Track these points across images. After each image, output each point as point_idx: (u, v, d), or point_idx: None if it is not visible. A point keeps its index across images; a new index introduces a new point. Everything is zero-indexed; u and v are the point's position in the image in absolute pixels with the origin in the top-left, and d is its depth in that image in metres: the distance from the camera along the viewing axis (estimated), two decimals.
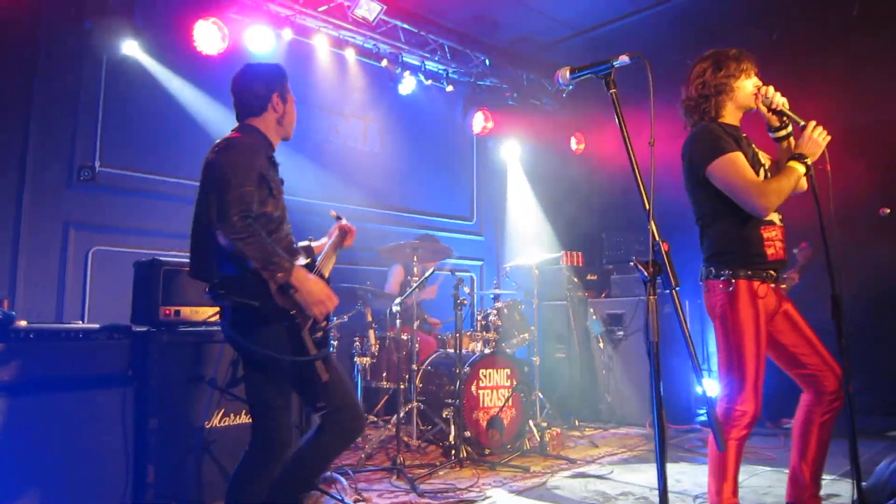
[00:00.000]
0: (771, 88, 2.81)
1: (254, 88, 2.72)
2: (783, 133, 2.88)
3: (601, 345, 6.41)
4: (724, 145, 2.69)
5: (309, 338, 2.50)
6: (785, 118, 2.84)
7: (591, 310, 6.57)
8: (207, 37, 5.20)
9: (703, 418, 6.09)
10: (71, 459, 3.00)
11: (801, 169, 2.67)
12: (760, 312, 2.67)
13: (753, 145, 2.86)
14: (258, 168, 2.49)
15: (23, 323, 3.10)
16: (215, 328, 3.57)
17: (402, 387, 4.76)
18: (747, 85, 2.84)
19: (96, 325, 3.24)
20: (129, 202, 5.10)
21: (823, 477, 2.83)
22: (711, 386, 5.82)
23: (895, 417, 5.90)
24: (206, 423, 3.45)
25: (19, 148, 4.67)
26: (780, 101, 2.79)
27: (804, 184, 2.80)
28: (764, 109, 2.85)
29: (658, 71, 2.02)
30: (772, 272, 2.74)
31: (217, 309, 3.67)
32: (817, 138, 2.72)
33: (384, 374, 5.14)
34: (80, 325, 3.27)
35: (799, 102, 2.92)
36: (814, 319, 2.88)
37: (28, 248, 4.66)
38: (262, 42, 5.58)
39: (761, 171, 2.78)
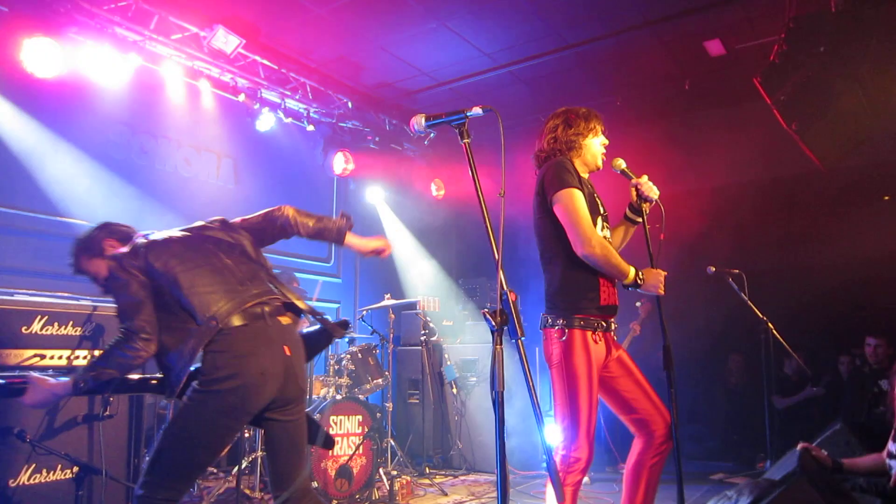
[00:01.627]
0: (645, 177, 3.01)
1: None
2: (637, 220, 3.07)
3: (455, 391, 6.46)
4: (571, 180, 2.83)
5: None
6: (644, 213, 3.02)
7: (446, 355, 6.62)
8: (39, 57, 4.71)
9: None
10: None
11: (630, 279, 2.80)
12: (593, 361, 2.78)
13: (596, 195, 3.01)
14: None
15: None
16: (31, 373, 3.18)
17: (246, 436, 4.49)
18: (594, 143, 3.02)
19: None
20: None
21: None
22: (553, 433, 6.02)
23: (718, 463, 6.40)
24: (11, 480, 3.04)
25: None
26: (655, 193, 2.97)
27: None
28: (633, 193, 3.02)
29: (512, 124, 2.10)
30: (603, 322, 2.87)
31: (35, 352, 3.31)
32: (647, 192, 2.95)
33: None
34: None
35: (642, 166, 3.16)
36: (650, 368, 3.05)
37: None
38: (106, 67, 5.20)
39: (599, 220, 2.93)
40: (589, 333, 2.80)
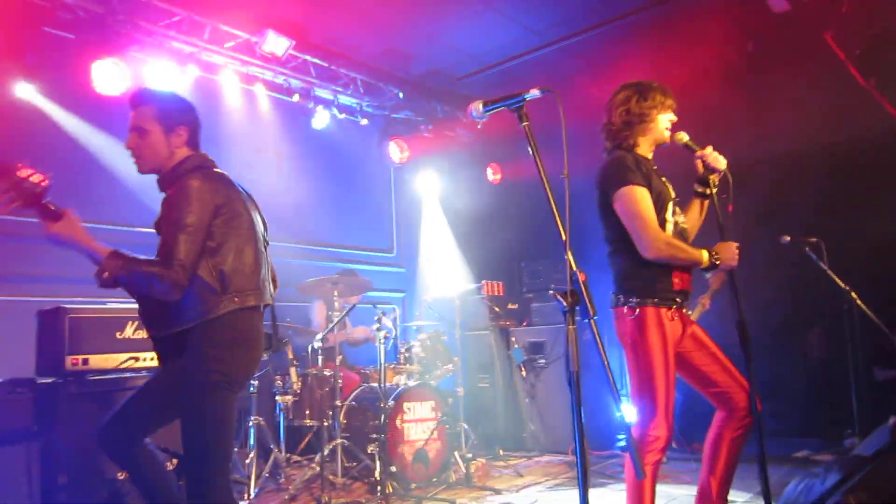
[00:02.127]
0: (710, 148, 2.92)
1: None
2: (706, 193, 2.99)
3: (523, 373, 6.48)
4: (634, 178, 2.77)
5: None
6: (711, 185, 2.94)
7: (513, 338, 6.64)
8: (107, 77, 4.93)
9: (623, 443, 6.22)
10: None
11: (705, 263, 2.76)
12: (668, 338, 2.74)
13: (664, 178, 2.95)
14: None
15: None
16: (127, 374, 3.41)
17: (325, 424, 4.64)
18: (664, 119, 2.94)
19: None
20: (29, 249, 4.77)
21: (735, 498, 2.92)
22: (629, 412, 5.96)
23: (801, 439, 6.18)
24: (120, 473, 3.24)
25: None
26: (722, 164, 2.90)
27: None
28: (699, 166, 2.95)
29: (564, 102, 2.08)
30: (677, 299, 2.83)
31: (129, 355, 3.51)
32: (713, 163, 2.88)
33: (307, 412, 4.99)
34: None
35: (705, 136, 3.07)
36: (724, 344, 3.00)
37: None
38: (166, 80, 5.40)
39: (670, 205, 2.87)
40: (663, 310, 2.77)
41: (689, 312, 2.96)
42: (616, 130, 2.95)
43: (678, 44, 6.60)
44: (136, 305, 2.54)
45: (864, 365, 6.22)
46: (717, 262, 2.77)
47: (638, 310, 2.76)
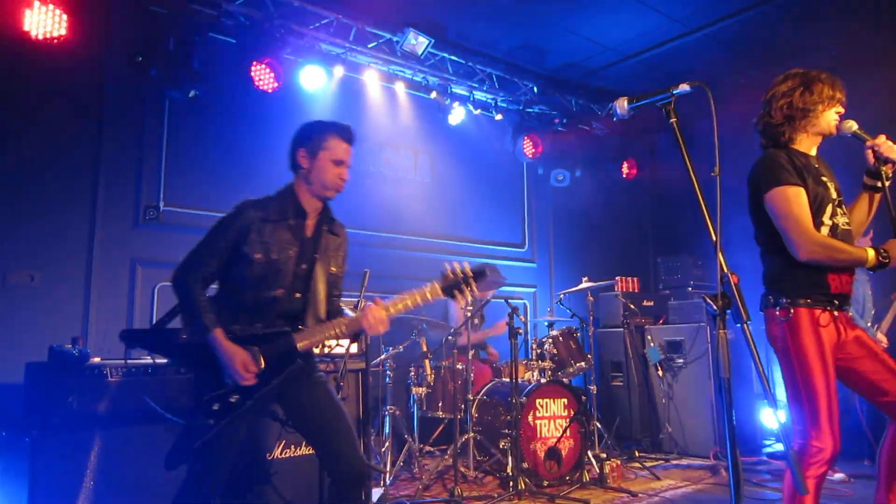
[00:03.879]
0: (882, 137, 2.68)
1: (291, 146, 2.76)
2: (879, 185, 2.74)
3: (660, 373, 6.26)
4: (787, 177, 2.59)
5: (202, 403, 2.47)
6: (884, 177, 2.70)
7: (649, 337, 6.44)
8: (263, 78, 5.32)
9: (771, 449, 5.86)
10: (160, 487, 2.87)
11: (871, 262, 2.54)
12: (824, 341, 2.54)
13: (825, 177, 2.72)
14: (236, 232, 2.56)
15: (96, 359, 3.22)
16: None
17: (457, 416, 4.73)
18: (831, 114, 2.72)
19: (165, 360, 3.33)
20: (194, 239, 5.21)
21: None
22: (784, 419, 5.59)
23: None
24: (269, 454, 3.50)
25: (89, 191, 4.88)
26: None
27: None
28: (870, 156, 2.71)
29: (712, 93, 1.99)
30: (835, 300, 2.61)
31: None
32: (887, 152, 2.63)
33: (440, 404, 5.13)
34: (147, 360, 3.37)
35: (874, 125, 2.81)
36: None
37: (98, 287, 4.84)
38: (315, 80, 5.74)
39: (829, 207, 2.66)
40: (818, 312, 2.57)
41: (868, 321, 2.72)
42: (775, 125, 2.75)
43: (837, 24, 6.08)
44: None
45: None
46: (887, 261, 2.53)
47: (791, 311, 2.58)
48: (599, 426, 5.36)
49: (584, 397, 5.09)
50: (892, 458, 2.60)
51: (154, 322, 2.77)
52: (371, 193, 6.35)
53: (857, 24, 6.08)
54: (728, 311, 1.86)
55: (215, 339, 2.46)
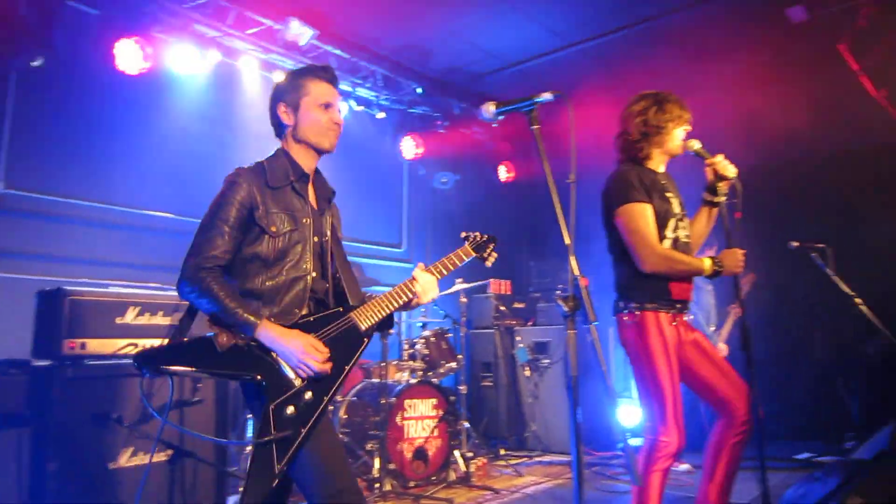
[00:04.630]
0: (721, 156, 2.90)
1: (270, 108, 2.42)
2: (716, 201, 2.97)
3: (528, 373, 6.46)
4: (635, 194, 2.80)
5: (269, 413, 2.02)
6: (720, 193, 2.92)
7: (518, 338, 6.62)
8: (129, 56, 4.95)
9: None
10: None
11: (707, 271, 2.77)
12: (669, 343, 2.77)
13: (670, 194, 2.94)
14: (239, 204, 2.18)
15: None
16: (125, 361, 3.39)
17: None
18: (680, 132, 2.94)
19: None
20: (37, 226, 4.77)
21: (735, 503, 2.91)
22: (630, 414, 5.93)
23: (804, 442, 6.15)
24: (112, 463, 3.26)
25: None
26: (732, 172, 2.88)
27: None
28: (709, 173, 2.93)
29: (584, 104, 2.07)
30: (677, 305, 2.84)
31: (128, 341, 3.51)
32: (723, 171, 2.86)
33: None
34: None
35: (719, 143, 3.05)
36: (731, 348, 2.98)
37: None
38: (186, 62, 5.42)
39: (672, 221, 2.88)
40: (662, 314, 2.79)
41: (711, 327, 2.96)
42: (633, 141, 2.96)
43: (698, 51, 6.55)
44: (139, 290, 2.49)
45: (867, 369, 6.19)
46: (721, 270, 2.76)
47: (639, 314, 2.79)
48: (467, 425, 5.44)
49: (452, 397, 5.15)
50: (716, 451, 2.84)
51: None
52: None
53: (720, 56, 6.58)
54: (577, 312, 1.93)
55: (266, 330, 2.07)
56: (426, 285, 2.47)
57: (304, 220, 2.30)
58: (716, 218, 3.05)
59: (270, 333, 2.08)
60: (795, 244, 4.82)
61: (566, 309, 1.92)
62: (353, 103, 6.86)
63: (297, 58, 6.16)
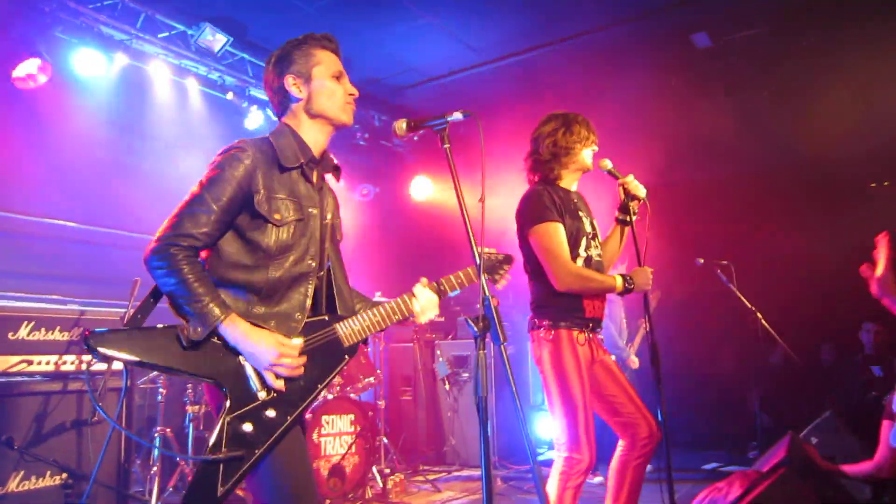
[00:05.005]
0: (631, 176, 3.00)
1: (269, 82, 2.17)
2: (628, 219, 3.07)
3: (447, 387, 6.47)
4: (548, 214, 2.85)
5: (225, 427, 1.79)
6: (631, 212, 3.03)
7: (438, 352, 6.62)
8: (26, 65, 4.65)
9: (542, 458, 6.29)
10: None
11: (619, 288, 2.85)
12: (581, 360, 2.82)
13: (582, 212, 3.02)
14: (237, 184, 1.96)
15: None
16: (18, 379, 3.18)
17: None
18: (588, 153, 3.02)
19: None
20: None
21: None
22: (548, 427, 6.03)
23: (711, 452, 6.42)
24: (1, 488, 3.04)
25: None
26: (642, 192, 2.98)
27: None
28: (621, 192, 3.02)
29: (500, 121, 2.09)
30: (589, 323, 2.91)
31: (22, 358, 3.28)
32: (634, 190, 2.96)
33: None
34: None
35: (628, 162, 3.16)
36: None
37: None
38: (91, 66, 5.14)
39: (584, 240, 2.95)
40: (575, 332, 2.84)
41: (623, 341, 3.02)
42: (543, 161, 3.02)
43: (609, 71, 6.79)
44: (34, 304, 2.33)
45: (770, 379, 6.55)
46: (631, 287, 2.85)
47: (553, 332, 2.83)
48: (385, 441, 5.38)
49: (371, 413, 5.08)
50: (620, 472, 2.91)
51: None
52: (154, 195, 5.83)
53: (631, 77, 6.83)
54: (488, 333, 1.93)
55: (232, 325, 1.83)
56: (426, 305, 2.20)
57: (311, 210, 2.09)
58: (627, 236, 3.15)
59: (237, 330, 1.84)
60: (701, 260, 5.07)
61: (476, 330, 1.92)
62: (270, 112, 6.72)
63: (212, 65, 5.99)
